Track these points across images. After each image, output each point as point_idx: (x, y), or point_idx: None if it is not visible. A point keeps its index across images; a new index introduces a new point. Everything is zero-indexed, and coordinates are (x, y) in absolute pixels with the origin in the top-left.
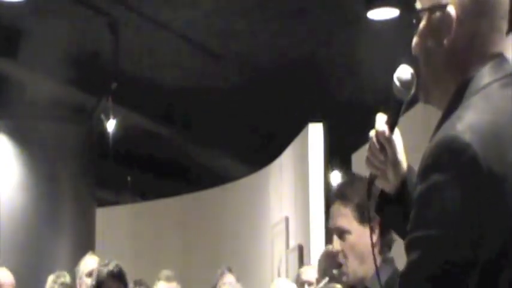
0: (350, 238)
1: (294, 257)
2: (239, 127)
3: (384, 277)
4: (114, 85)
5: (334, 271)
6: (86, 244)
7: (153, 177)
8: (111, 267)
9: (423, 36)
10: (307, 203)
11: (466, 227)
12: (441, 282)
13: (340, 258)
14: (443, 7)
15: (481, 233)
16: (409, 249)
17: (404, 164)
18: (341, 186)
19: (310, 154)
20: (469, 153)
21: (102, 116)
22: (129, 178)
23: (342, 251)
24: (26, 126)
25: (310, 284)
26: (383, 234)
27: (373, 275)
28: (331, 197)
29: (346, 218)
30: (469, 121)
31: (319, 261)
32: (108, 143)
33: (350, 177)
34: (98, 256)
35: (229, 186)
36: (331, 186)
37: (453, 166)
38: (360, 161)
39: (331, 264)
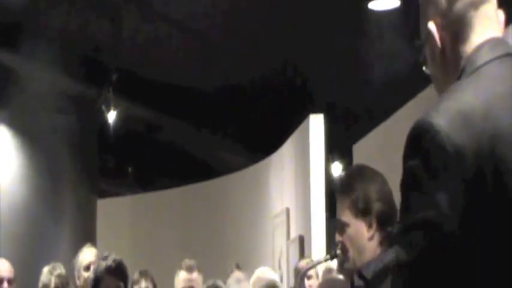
0: (348, 231)
1: (294, 248)
2: (240, 118)
3: (377, 266)
4: (114, 76)
5: (338, 251)
6: (86, 235)
7: (154, 169)
8: (109, 262)
9: (432, 64)
10: (308, 194)
11: (438, 205)
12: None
13: (340, 249)
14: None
15: (452, 207)
16: (397, 237)
17: None
18: (341, 180)
19: (311, 145)
20: (432, 133)
21: (103, 107)
22: (129, 169)
23: (342, 242)
24: (26, 118)
25: (309, 277)
26: (381, 228)
27: (366, 264)
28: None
29: (345, 211)
30: (443, 104)
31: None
32: (108, 134)
33: (350, 170)
34: (99, 247)
35: (230, 177)
36: (332, 177)
37: (419, 149)
38: (360, 152)
39: None
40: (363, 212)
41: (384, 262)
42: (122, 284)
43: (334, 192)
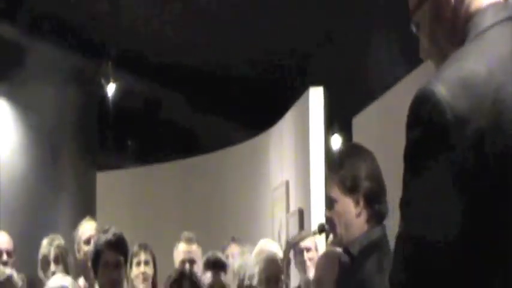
0: (336, 207)
1: (294, 221)
2: (240, 91)
3: (363, 243)
4: (114, 49)
5: (326, 226)
6: (86, 208)
7: (154, 142)
8: (109, 235)
9: (431, 36)
10: (307, 167)
11: (439, 177)
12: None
13: (329, 225)
14: None
15: (452, 178)
16: (400, 208)
17: None
18: (332, 157)
19: (311, 118)
20: (433, 101)
21: (102, 80)
22: (129, 142)
23: (330, 218)
24: (26, 91)
25: (308, 250)
26: (369, 205)
27: (353, 240)
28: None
29: (334, 187)
30: (443, 72)
31: None
32: (108, 107)
33: (341, 148)
34: (98, 220)
35: (229, 150)
36: (332, 150)
37: (420, 118)
38: (360, 125)
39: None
40: (350, 189)
41: (371, 239)
42: (121, 258)
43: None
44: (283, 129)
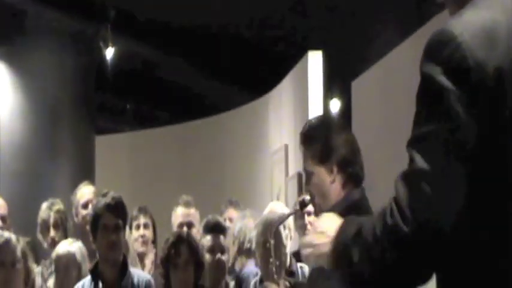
0: (313, 179)
1: (293, 184)
2: (238, 55)
3: (342, 207)
4: (112, 13)
5: (306, 198)
6: (85, 172)
7: (152, 105)
8: (108, 199)
9: None
10: None
11: (456, 114)
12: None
13: (310, 198)
14: None
15: (469, 117)
16: (409, 147)
17: None
18: (303, 131)
19: (310, 82)
20: (455, 44)
21: (101, 44)
22: (128, 106)
23: (309, 191)
24: (25, 55)
25: (309, 213)
26: (342, 170)
27: (331, 207)
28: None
29: (308, 161)
30: (464, 17)
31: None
32: (106, 71)
33: (309, 122)
34: (97, 183)
35: (228, 114)
36: (331, 114)
37: (440, 57)
38: (359, 89)
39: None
40: (323, 159)
41: (349, 202)
42: (120, 221)
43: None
44: (282, 93)
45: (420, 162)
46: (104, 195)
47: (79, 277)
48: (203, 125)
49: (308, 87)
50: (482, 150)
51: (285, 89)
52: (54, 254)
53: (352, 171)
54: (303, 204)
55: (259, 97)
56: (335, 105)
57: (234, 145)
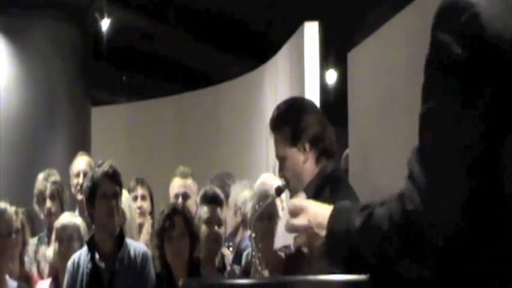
0: (287, 163)
1: None
2: (235, 26)
3: (317, 183)
4: None
5: (282, 184)
6: (81, 144)
7: (148, 77)
8: (105, 167)
9: None
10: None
11: (470, 86)
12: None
13: (282, 182)
14: None
15: (483, 89)
16: (422, 121)
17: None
18: (273, 118)
19: (306, 53)
20: (471, 12)
21: (97, 15)
22: (124, 78)
23: (284, 176)
24: (20, 26)
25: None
26: (314, 147)
27: (307, 186)
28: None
29: (280, 145)
30: None
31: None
32: (102, 42)
33: (280, 106)
34: (94, 155)
35: (224, 85)
36: (327, 85)
37: (454, 25)
38: (355, 60)
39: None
40: (294, 140)
41: (323, 176)
42: (118, 189)
43: (328, 100)
44: (278, 64)
45: (435, 138)
46: (100, 165)
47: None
48: (199, 96)
49: (304, 58)
50: (499, 122)
51: (281, 60)
52: (58, 224)
53: (323, 146)
54: (279, 191)
55: (255, 68)
56: (331, 76)
57: (230, 116)
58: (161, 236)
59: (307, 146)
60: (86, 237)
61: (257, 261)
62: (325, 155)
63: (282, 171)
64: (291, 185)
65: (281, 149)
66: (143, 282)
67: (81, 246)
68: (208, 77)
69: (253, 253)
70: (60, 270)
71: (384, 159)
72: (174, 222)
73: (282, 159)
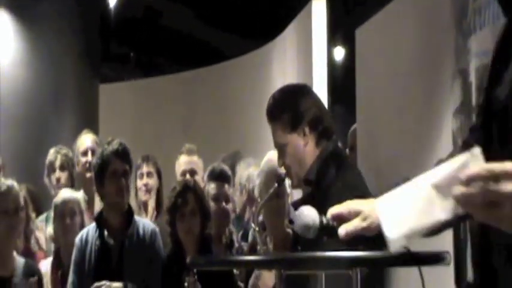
0: (287, 150)
1: None
2: (243, 3)
3: (319, 165)
4: None
5: (282, 175)
6: (88, 120)
7: (156, 54)
8: (115, 145)
9: None
10: (310, 80)
11: None
12: None
13: (283, 171)
14: None
15: None
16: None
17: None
18: (269, 107)
19: (314, 30)
20: None
21: None
22: (131, 54)
23: (284, 163)
24: (28, 2)
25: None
26: (314, 130)
27: (309, 169)
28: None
29: (279, 132)
30: None
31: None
32: (109, 17)
33: (275, 94)
34: (101, 133)
35: (231, 62)
36: (335, 62)
37: None
38: (363, 37)
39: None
40: (294, 125)
41: (325, 154)
42: (128, 167)
43: (336, 77)
44: (286, 42)
45: None
46: (109, 142)
47: (82, 225)
48: (206, 73)
49: (312, 35)
50: None
51: (288, 37)
52: (58, 199)
53: (323, 128)
54: (280, 180)
55: (262, 46)
56: (339, 53)
57: (238, 94)
58: (173, 212)
59: (306, 129)
60: (86, 212)
61: (258, 239)
62: (324, 136)
63: (282, 159)
64: (292, 171)
65: (280, 136)
66: (152, 259)
67: (82, 222)
68: (215, 54)
69: (256, 232)
70: (62, 246)
71: (392, 136)
72: (186, 199)
73: (282, 146)
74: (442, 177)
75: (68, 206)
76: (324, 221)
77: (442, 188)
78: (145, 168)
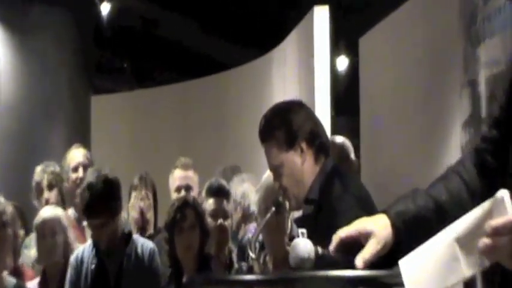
0: (283, 171)
1: None
2: (241, 11)
3: (321, 183)
4: None
5: (279, 198)
6: (81, 133)
7: (151, 64)
8: (97, 187)
9: None
10: (312, 91)
11: None
12: None
13: (280, 193)
14: None
15: None
16: None
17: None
18: (261, 128)
19: (316, 39)
20: None
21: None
22: (125, 64)
23: (280, 186)
24: (18, 12)
25: None
26: (311, 145)
27: (309, 188)
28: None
29: (273, 154)
30: None
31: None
32: (102, 26)
33: (267, 113)
34: (94, 146)
35: (230, 72)
36: (338, 72)
37: None
38: (367, 46)
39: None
40: (289, 142)
41: (325, 174)
42: (113, 203)
43: (339, 88)
44: (287, 51)
45: None
46: (90, 183)
47: (66, 243)
48: (204, 84)
49: (314, 44)
50: None
51: (289, 46)
52: (37, 220)
53: (320, 143)
54: (277, 204)
55: (262, 55)
56: (342, 63)
57: (236, 105)
58: (171, 228)
59: (304, 145)
60: (69, 229)
61: (256, 266)
62: (322, 152)
63: (279, 181)
64: (290, 193)
65: (276, 156)
66: (151, 279)
67: (65, 239)
68: (213, 64)
69: (254, 260)
70: (47, 267)
71: (397, 150)
72: (185, 215)
73: (277, 167)
74: (465, 230)
75: (48, 226)
76: (320, 251)
77: (466, 242)
78: (142, 191)
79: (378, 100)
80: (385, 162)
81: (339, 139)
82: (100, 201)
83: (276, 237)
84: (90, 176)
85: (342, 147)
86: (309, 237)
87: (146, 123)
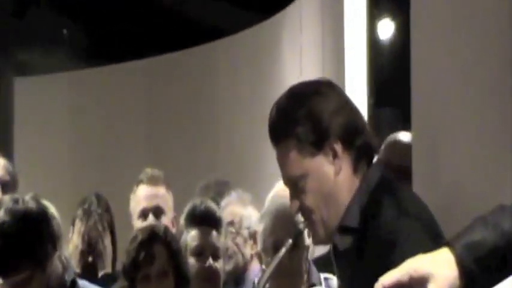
0: (309, 184)
1: None
2: None
3: (362, 203)
4: None
5: (299, 226)
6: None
7: (107, 31)
8: (11, 229)
9: None
10: (341, 66)
11: None
12: None
13: (301, 219)
14: None
15: None
16: None
17: None
18: (271, 123)
19: None
20: None
21: None
22: (64, 31)
23: (302, 207)
24: None
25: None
26: (349, 145)
27: (345, 211)
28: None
29: (294, 158)
30: None
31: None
32: None
33: (280, 101)
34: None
35: (222, 42)
36: (379, 41)
37: None
38: (421, 3)
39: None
40: (318, 141)
41: (371, 187)
42: (39, 247)
43: (380, 66)
44: (303, 10)
45: None
46: (16, 203)
47: None
48: (185, 58)
49: (344, 2)
50: None
51: (306, 3)
52: None
53: (362, 143)
54: (297, 235)
55: (268, 18)
56: (386, 28)
57: (226, 90)
58: (132, 274)
59: (338, 147)
60: None
61: None
62: (365, 156)
63: (299, 200)
64: (316, 218)
65: (295, 164)
66: None
67: None
68: (205, 31)
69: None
70: None
71: (462, 154)
72: (152, 254)
73: (297, 180)
74: None
75: None
76: None
77: None
78: (91, 217)
79: (436, 83)
80: (445, 172)
81: (404, 137)
82: (17, 248)
83: (289, 283)
84: (4, 209)
85: (408, 150)
86: (344, 286)
87: (94, 117)
